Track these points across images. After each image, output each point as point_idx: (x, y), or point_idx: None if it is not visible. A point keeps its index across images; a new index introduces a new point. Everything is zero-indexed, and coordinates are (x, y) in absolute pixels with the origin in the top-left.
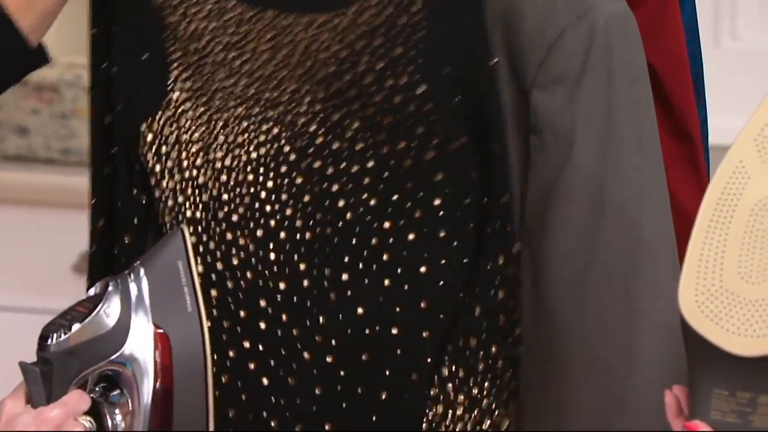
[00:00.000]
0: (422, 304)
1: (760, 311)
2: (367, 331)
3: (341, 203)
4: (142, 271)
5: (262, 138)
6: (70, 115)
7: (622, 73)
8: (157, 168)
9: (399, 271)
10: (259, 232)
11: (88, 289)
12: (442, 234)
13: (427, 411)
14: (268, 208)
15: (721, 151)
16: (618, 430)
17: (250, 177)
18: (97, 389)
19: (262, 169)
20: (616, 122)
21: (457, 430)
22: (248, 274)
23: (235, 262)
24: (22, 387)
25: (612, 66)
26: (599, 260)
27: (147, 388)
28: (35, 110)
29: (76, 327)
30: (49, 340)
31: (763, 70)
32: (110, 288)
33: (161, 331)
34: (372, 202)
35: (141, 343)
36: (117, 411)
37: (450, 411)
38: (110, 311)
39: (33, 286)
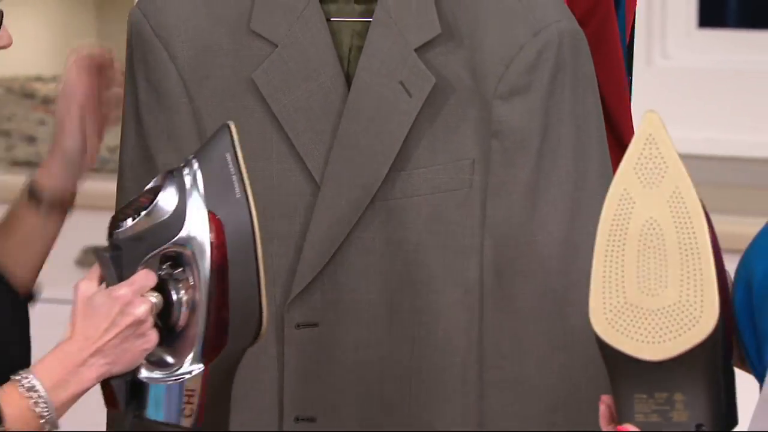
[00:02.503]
0: None
1: (662, 319)
2: None
3: None
4: (195, 164)
5: None
6: None
7: (574, 85)
8: None
9: None
10: None
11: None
12: None
13: None
14: None
15: None
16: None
17: None
18: (163, 268)
19: None
20: (569, 129)
21: None
22: None
23: None
24: (96, 271)
25: (565, 79)
26: (555, 252)
27: (205, 264)
28: (42, 121)
29: (140, 215)
30: (118, 228)
31: (690, 85)
32: (167, 179)
33: (214, 214)
34: None
35: (197, 226)
36: (180, 286)
37: None
38: (168, 199)
39: (40, 277)
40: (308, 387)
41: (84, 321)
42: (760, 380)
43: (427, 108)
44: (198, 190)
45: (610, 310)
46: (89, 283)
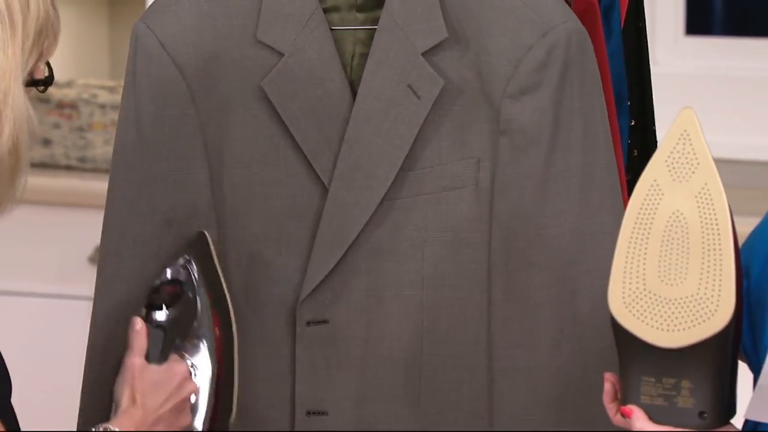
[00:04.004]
0: None
1: (679, 308)
2: None
3: None
4: (192, 263)
5: None
6: (86, 128)
7: (581, 81)
8: None
9: None
10: None
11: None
12: None
13: None
14: None
15: None
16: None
17: None
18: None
19: None
20: (578, 124)
21: None
22: None
23: None
24: (140, 347)
25: (573, 76)
26: (564, 244)
27: (209, 356)
28: (56, 124)
29: (174, 305)
30: (158, 309)
31: (678, 91)
32: (181, 274)
33: (216, 312)
34: None
35: (205, 321)
36: (192, 373)
37: None
38: (188, 291)
39: (53, 274)
40: (319, 382)
41: (146, 392)
42: (755, 371)
43: (435, 110)
44: (200, 288)
45: (629, 295)
46: (141, 357)
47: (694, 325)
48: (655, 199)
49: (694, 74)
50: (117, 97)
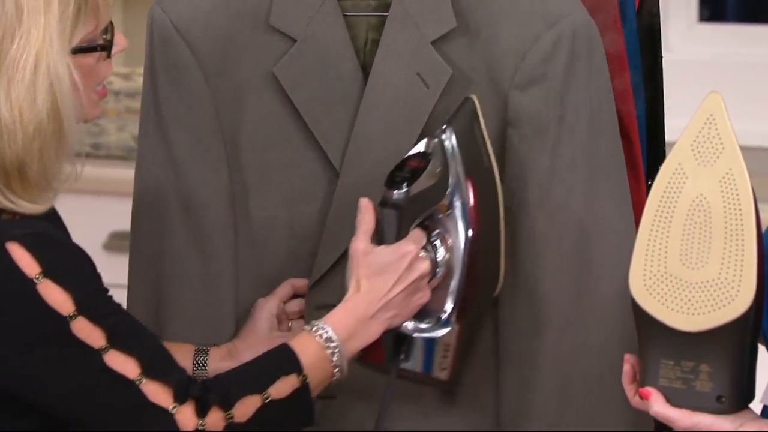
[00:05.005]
0: None
1: (700, 292)
2: None
3: None
4: (451, 133)
5: None
6: (100, 115)
7: (588, 73)
8: None
9: None
10: None
11: None
12: None
13: None
14: None
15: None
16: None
17: None
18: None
19: None
20: (584, 116)
21: None
22: None
23: None
24: (368, 229)
25: (579, 67)
26: (570, 233)
27: (462, 227)
28: None
29: (417, 179)
30: (399, 189)
31: (691, 77)
32: (432, 146)
33: (472, 181)
34: None
35: (459, 191)
36: (439, 246)
37: None
38: (435, 164)
39: None
40: None
41: (371, 277)
42: None
43: (444, 99)
44: (456, 157)
45: (650, 278)
46: (366, 241)
47: (715, 310)
48: (680, 183)
49: (708, 61)
50: (131, 84)
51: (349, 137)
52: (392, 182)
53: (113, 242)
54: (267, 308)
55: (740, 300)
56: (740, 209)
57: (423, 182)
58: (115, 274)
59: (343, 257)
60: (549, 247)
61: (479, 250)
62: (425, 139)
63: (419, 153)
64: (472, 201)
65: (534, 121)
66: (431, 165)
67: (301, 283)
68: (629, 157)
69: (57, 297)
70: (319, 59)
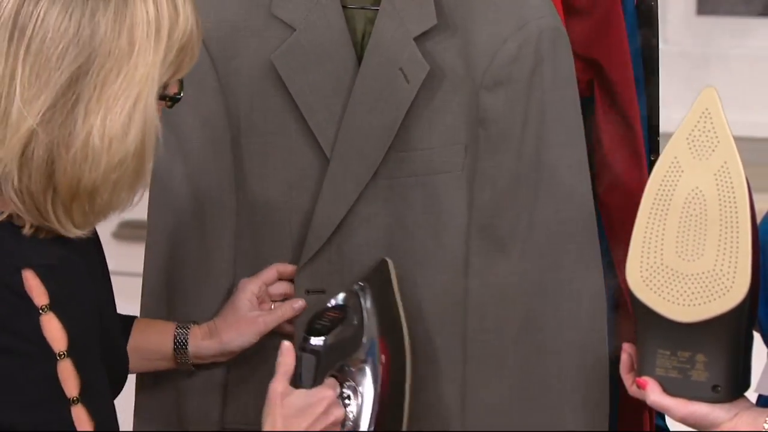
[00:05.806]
0: None
1: (695, 284)
2: None
3: None
4: (366, 291)
5: None
6: None
7: (553, 77)
8: None
9: None
10: None
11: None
12: None
13: None
14: None
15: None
16: (542, 385)
17: None
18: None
19: None
20: (548, 118)
21: None
22: None
23: None
24: (286, 372)
25: (544, 71)
26: (534, 235)
27: (371, 381)
28: None
29: (336, 329)
30: (316, 337)
31: (687, 68)
32: (351, 301)
33: (383, 339)
34: None
35: (371, 347)
36: (351, 396)
37: None
38: (352, 318)
39: None
40: None
41: (288, 418)
42: None
43: (423, 93)
44: (371, 316)
45: (647, 269)
46: (284, 383)
47: (710, 301)
48: (675, 176)
49: (705, 53)
50: None
51: (340, 127)
52: (311, 329)
53: (122, 231)
54: (249, 288)
55: (735, 291)
56: (735, 202)
57: (340, 333)
58: (124, 262)
59: (329, 244)
60: (515, 247)
61: (386, 409)
62: (343, 293)
63: (338, 305)
64: (384, 359)
65: (500, 122)
66: (347, 318)
67: (287, 268)
68: (631, 144)
69: (55, 333)
70: (316, 49)
